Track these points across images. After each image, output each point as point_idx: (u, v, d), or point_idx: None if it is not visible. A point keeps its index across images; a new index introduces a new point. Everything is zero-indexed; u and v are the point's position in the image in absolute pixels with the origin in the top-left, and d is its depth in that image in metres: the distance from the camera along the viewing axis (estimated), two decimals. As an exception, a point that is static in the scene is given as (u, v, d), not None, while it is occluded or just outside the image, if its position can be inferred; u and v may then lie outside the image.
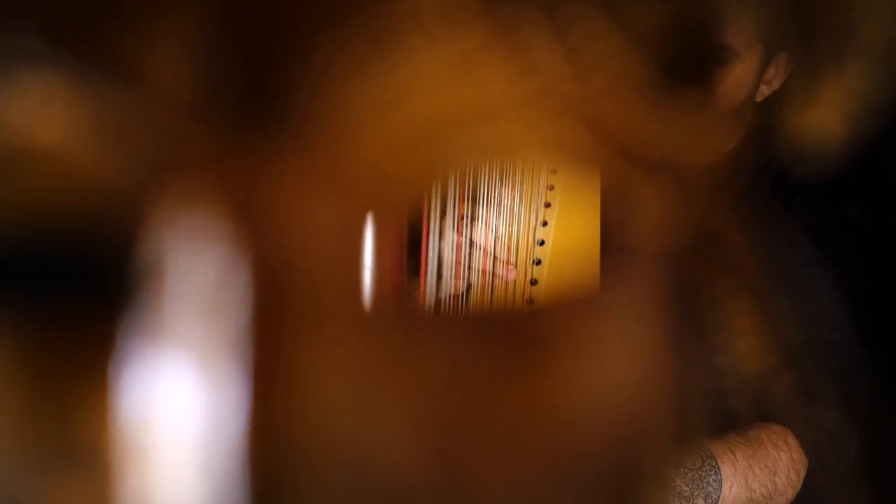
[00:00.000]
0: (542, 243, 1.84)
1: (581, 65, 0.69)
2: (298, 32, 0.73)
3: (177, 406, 0.72)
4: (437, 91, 0.78)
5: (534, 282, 1.78)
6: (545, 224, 1.86)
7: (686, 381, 0.87)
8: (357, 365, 0.73)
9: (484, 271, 1.72)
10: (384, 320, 0.75)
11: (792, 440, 1.80)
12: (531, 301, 1.75)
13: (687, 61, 0.76)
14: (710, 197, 0.89)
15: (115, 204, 0.72)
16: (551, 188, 1.89)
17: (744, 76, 1.77)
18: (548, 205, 1.87)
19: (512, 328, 0.80)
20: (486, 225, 1.70)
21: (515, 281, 1.74)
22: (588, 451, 0.77)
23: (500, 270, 1.66)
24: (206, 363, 0.71)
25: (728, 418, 1.85)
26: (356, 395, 0.72)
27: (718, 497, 1.63)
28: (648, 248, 0.81)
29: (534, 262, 1.81)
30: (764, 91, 1.83)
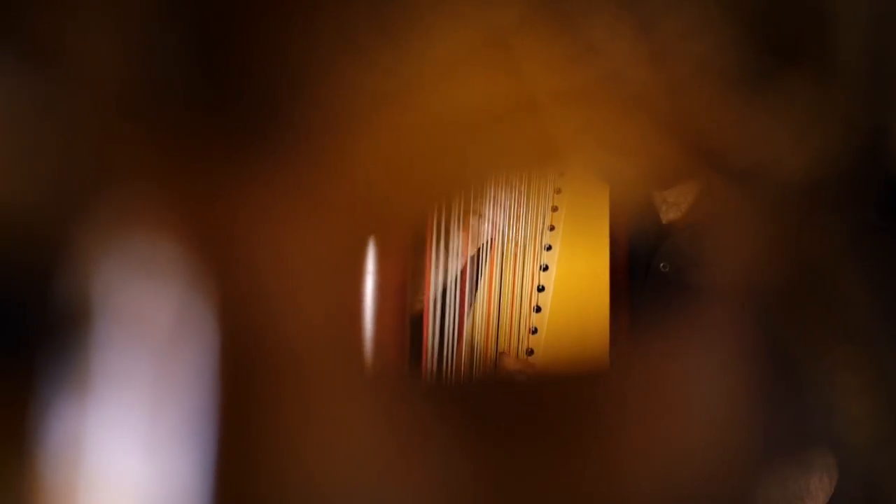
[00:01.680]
0: (541, 289, 1.75)
1: (654, 46, 0.56)
2: (275, 9, 0.61)
3: (117, 479, 0.61)
4: (461, 83, 0.66)
5: (534, 330, 1.69)
6: (545, 268, 1.79)
7: (776, 452, 0.75)
8: (347, 438, 0.61)
9: (489, 318, 1.67)
10: (384, 386, 0.64)
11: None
12: (530, 351, 1.67)
13: (789, 36, 0.63)
14: (812, 218, 0.76)
15: (30, 228, 0.61)
16: (552, 228, 1.81)
17: None
18: (549, 247, 1.80)
19: (530, 395, 0.69)
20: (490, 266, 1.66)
21: (517, 327, 1.68)
22: None
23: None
24: (157, 426, 0.61)
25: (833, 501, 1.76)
26: (347, 474, 0.61)
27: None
28: (733, 284, 0.69)
29: (533, 308, 1.72)
30: None
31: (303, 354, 0.58)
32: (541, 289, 1.71)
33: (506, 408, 0.62)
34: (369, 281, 0.73)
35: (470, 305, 1.58)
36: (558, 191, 1.78)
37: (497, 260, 1.69)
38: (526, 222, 1.73)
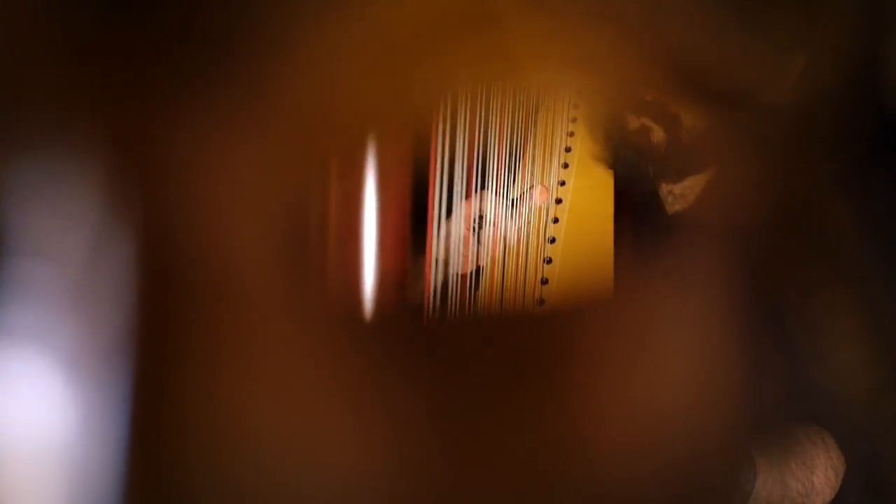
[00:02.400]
0: (556, 221, 1.83)
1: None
2: None
3: (32, 426, 0.57)
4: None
5: (548, 260, 1.77)
6: (559, 201, 1.86)
7: (762, 402, 0.70)
8: (288, 384, 0.56)
9: (494, 250, 1.71)
10: (383, 326, 0.59)
11: (830, 439, 1.79)
12: (545, 280, 1.74)
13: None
14: (801, 153, 0.71)
15: None
16: (565, 166, 1.89)
17: None
18: (562, 183, 1.87)
19: (528, 331, 0.64)
20: (496, 195, 1.69)
21: (528, 259, 1.74)
22: (629, 493, 0.61)
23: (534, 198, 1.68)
24: (75, 369, 0.56)
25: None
26: (286, 423, 0.56)
27: (752, 489, 1.60)
28: (716, 221, 0.65)
29: (548, 239, 1.80)
30: None
31: (244, 287, 0.53)
32: (555, 220, 1.77)
33: (512, 344, 0.57)
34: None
35: (476, 236, 1.60)
36: (573, 120, 1.84)
37: (515, 194, 1.73)
38: (541, 160, 1.79)
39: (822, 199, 0.77)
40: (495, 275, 1.67)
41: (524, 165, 1.78)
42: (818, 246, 0.79)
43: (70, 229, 0.53)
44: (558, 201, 1.83)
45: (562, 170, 1.85)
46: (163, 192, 0.53)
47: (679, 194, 1.89)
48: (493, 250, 1.67)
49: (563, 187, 1.83)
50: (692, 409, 0.63)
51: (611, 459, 0.60)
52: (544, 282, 1.74)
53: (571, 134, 1.89)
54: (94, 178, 0.52)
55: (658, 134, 1.79)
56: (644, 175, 1.81)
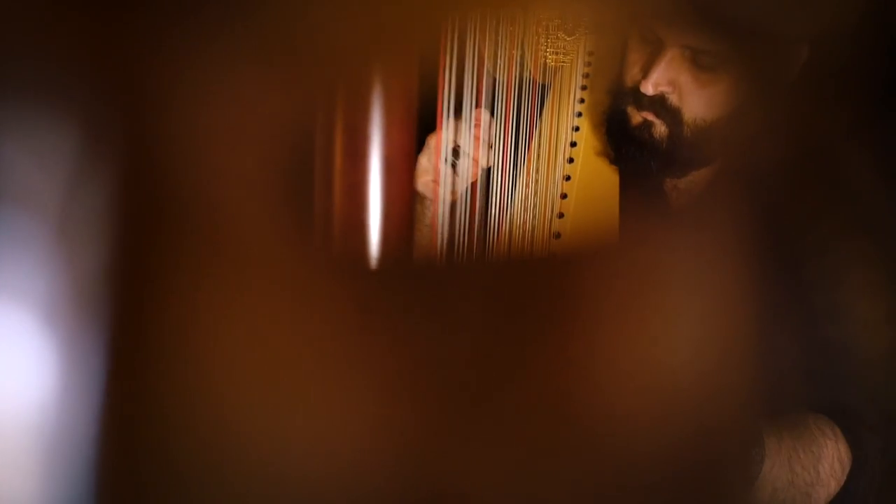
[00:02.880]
0: (571, 161, 1.88)
1: None
2: None
3: (4, 381, 0.53)
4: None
5: (564, 196, 1.81)
6: (574, 144, 1.91)
7: (778, 361, 0.67)
8: (286, 332, 0.53)
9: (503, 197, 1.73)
10: (389, 269, 0.55)
11: (839, 431, 1.78)
12: (560, 215, 1.76)
13: None
14: (818, 94, 0.67)
15: None
16: (579, 115, 1.91)
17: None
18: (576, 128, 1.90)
19: (541, 272, 0.61)
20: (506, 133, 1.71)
21: (547, 211, 1.76)
22: (640, 451, 0.57)
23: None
24: (51, 318, 0.53)
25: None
26: (297, 372, 0.52)
27: (759, 471, 1.59)
28: (729, 165, 0.61)
29: (564, 177, 1.85)
30: None
31: (235, 229, 0.50)
32: (570, 160, 1.83)
33: (525, 284, 0.54)
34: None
35: (483, 183, 1.62)
36: (586, 75, 1.88)
37: (534, 151, 1.78)
38: (557, 116, 1.82)
39: (842, 146, 0.73)
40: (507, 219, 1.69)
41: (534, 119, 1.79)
42: (837, 195, 0.75)
43: (46, 171, 0.50)
44: (573, 144, 1.85)
45: (576, 117, 1.85)
46: (146, 127, 0.50)
47: (684, 189, 1.87)
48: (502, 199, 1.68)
49: (577, 133, 1.84)
50: (703, 363, 0.60)
51: (620, 410, 0.57)
52: (560, 215, 1.74)
53: (586, 75, 1.88)
54: (72, 115, 0.49)
55: (660, 128, 1.78)
56: (647, 170, 1.80)
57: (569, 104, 1.91)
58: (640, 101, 1.72)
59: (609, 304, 0.57)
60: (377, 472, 0.50)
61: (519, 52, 1.76)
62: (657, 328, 0.58)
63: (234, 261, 0.52)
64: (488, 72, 1.65)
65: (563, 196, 1.86)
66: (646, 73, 1.71)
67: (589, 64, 2.00)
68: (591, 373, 0.55)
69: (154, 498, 0.49)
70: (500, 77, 1.73)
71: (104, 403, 0.48)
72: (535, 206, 1.80)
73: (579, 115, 1.91)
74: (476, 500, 0.51)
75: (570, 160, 1.88)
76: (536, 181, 1.80)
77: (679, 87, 1.70)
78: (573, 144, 1.89)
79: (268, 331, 0.51)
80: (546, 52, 1.84)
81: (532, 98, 1.82)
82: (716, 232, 0.63)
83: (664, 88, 1.70)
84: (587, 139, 1.88)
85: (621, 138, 1.81)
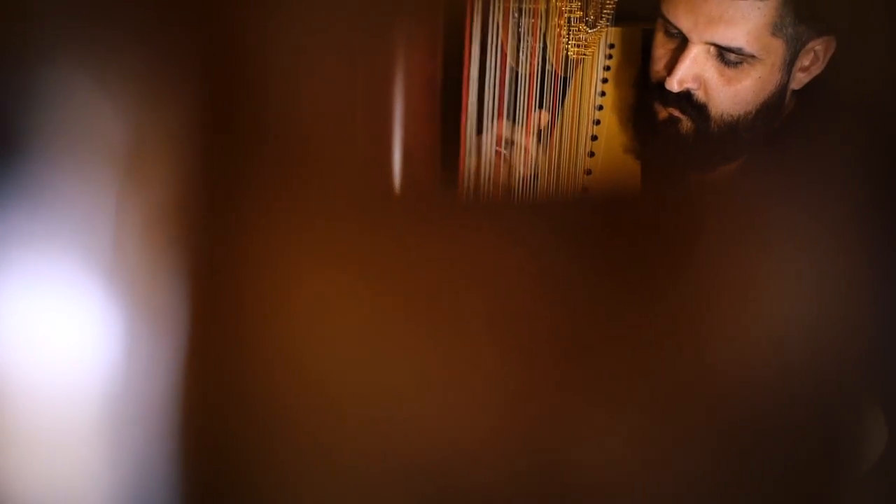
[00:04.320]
0: (595, 138, 1.91)
1: None
2: None
3: (60, 333, 0.49)
4: None
5: (585, 189, 1.81)
6: (603, 94, 1.95)
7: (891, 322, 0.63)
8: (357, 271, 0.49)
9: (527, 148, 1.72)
10: (410, 203, 0.52)
11: None
12: (588, 171, 1.78)
13: None
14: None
15: None
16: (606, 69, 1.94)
17: (766, 75, 1.76)
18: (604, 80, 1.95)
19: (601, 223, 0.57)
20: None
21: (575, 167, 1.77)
22: (752, 417, 0.54)
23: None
24: (115, 263, 0.49)
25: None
26: (368, 310, 0.49)
27: (878, 454, 1.52)
28: (844, 93, 0.57)
29: (585, 171, 1.88)
30: (802, 79, 1.80)
31: (297, 147, 0.46)
32: (591, 154, 1.86)
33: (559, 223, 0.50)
34: (397, 81, 0.60)
35: (510, 118, 1.62)
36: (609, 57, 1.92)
37: (555, 144, 1.79)
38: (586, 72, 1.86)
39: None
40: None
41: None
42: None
43: (117, 111, 0.46)
44: (594, 138, 1.89)
45: (595, 126, 1.86)
46: (220, 63, 0.46)
47: (710, 182, 1.85)
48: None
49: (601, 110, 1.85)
50: (816, 333, 0.56)
51: (732, 375, 0.53)
52: (591, 154, 1.75)
53: (607, 68, 1.89)
54: (144, 52, 0.45)
55: (686, 124, 1.77)
56: (674, 164, 1.78)
57: (590, 97, 1.91)
58: (666, 96, 1.71)
59: (722, 272, 0.54)
60: (486, 427, 0.46)
61: (541, 45, 1.75)
62: (770, 294, 0.54)
63: (319, 198, 0.49)
64: (511, 67, 1.64)
65: (584, 190, 1.85)
66: (670, 69, 1.71)
67: (610, 57, 1.99)
68: (703, 339, 0.51)
69: (239, 463, 0.45)
70: (523, 70, 1.72)
71: (183, 358, 0.44)
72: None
73: (600, 108, 1.90)
74: (589, 459, 0.47)
75: (591, 154, 1.88)
76: (557, 175, 1.80)
77: (705, 83, 1.70)
78: (594, 138, 1.88)
79: (353, 277, 0.48)
80: (567, 44, 1.83)
81: (554, 91, 1.81)
82: (832, 181, 0.60)
83: (689, 85, 1.70)
84: (608, 132, 1.88)
85: (648, 133, 1.80)
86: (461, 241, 0.51)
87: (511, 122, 1.62)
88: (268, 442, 0.46)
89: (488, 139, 1.54)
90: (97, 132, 0.48)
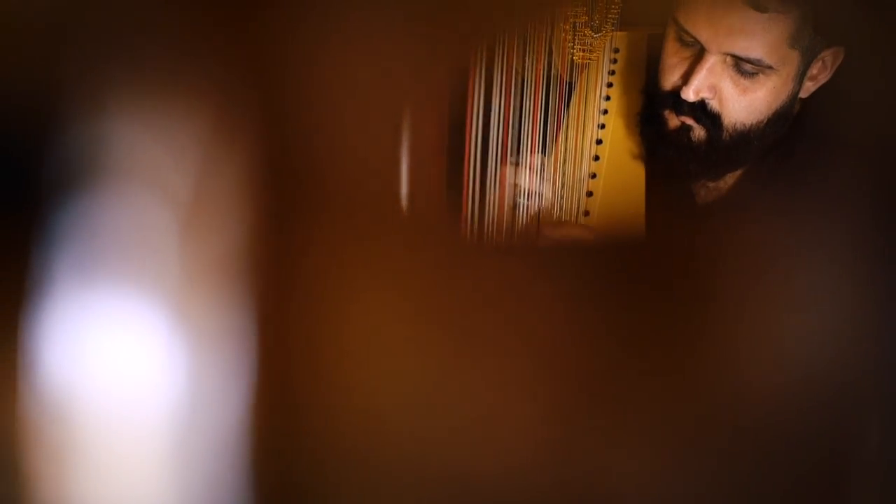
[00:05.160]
0: (597, 158, 1.92)
1: None
2: None
3: (130, 369, 0.53)
4: None
5: (590, 193, 1.86)
6: (602, 125, 1.96)
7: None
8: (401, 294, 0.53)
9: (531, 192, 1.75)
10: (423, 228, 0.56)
11: None
12: (586, 213, 1.85)
13: None
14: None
15: (34, 78, 0.52)
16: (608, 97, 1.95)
17: (780, 85, 1.79)
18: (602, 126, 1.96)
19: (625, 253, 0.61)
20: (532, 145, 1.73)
21: (577, 190, 1.84)
22: (770, 433, 0.57)
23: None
24: (181, 302, 0.52)
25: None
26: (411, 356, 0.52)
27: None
28: (853, 141, 0.61)
29: (590, 174, 1.90)
30: (809, 87, 1.84)
31: (347, 188, 0.50)
32: (596, 158, 1.89)
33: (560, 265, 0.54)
34: (409, 118, 0.64)
35: (512, 155, 1.64)
36: (614, 61, 1.97)
37: (563, 130, 1.82)
38: (586, 100, 1.90)
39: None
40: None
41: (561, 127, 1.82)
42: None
43: (181, 153, 0.50)
44: (598, 142, 1.91)
45: (599, 130, 1.89)
46: (276, 118, 0.50)
47: (713, 187, 1.88)
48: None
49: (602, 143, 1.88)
50: (828, 350, 0.60)
51: (753, 395, 0.57)
52: (586, 213, 1.77)
53: (610, 85, 1.92)
54: (205, 101, 0.49)
55: (699, 133, 1.79)
56: (683, 171, 1.80)
57: (595, 102, 1.93)
58: (680, 105, 1.73)
59: (739, 297, 0.57)
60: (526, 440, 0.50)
61: (547, 50, 1.78)
62: (785, 317, 0.58)
63: (365, 229, 0.53)
64: (517, 70, 1.67)
65: (589, 194, 1.88)
66: (686, 79, 1.72)
67: (615, 61, 2.02)
68: (724, 360, 0.55)
69: (303, 481, 0.49)
70: (529, 76, 1.75)
71: (248, 389, 0.48)
72: (561, 198, 1.82)
73: (605, 112, 1.93)
74: (617, 467, 0.51)
75: (596, 157, 1.90)
76: (563, 181, 1.82)
77: (720, 92, 1.71)
78: (599, 142, 1.91)
79: (411, 307, 0.52)
80: (573, 49, 1.86)
81: (559, 95, 1.84)
82: (840, 215, 0.64)
83: (705, 94, 1.71)
84: (613, 137, 1.90)
85: (657, 140, 1.81)
86: (493, 266, 0.55)
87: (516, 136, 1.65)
88: (328, 461, 0.49)
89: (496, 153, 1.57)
90: (165, 175, 0.51)
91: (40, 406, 0.51)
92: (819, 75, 1.76)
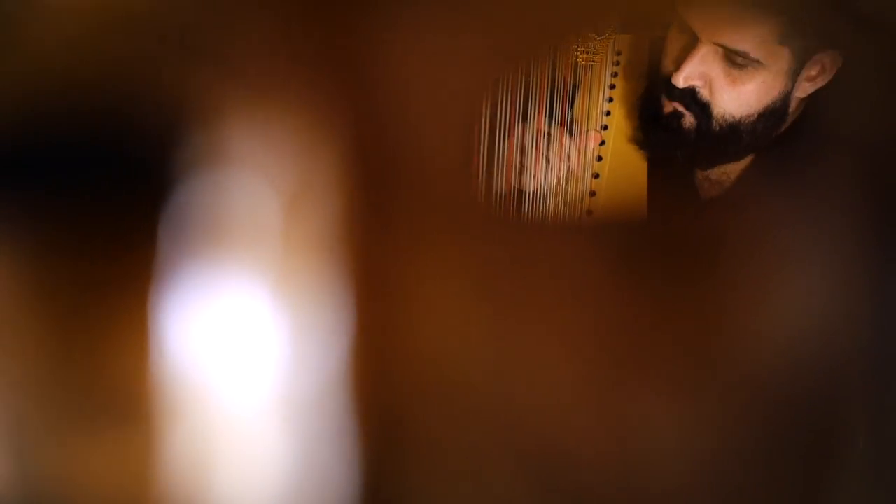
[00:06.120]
0: (600, 158, 1.98)
1: None
2: None
3: (241, 337, 0.60)
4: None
5: (593, 193, 1.92)
6: (603, 143, 2.00)
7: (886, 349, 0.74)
8: (474, 272, 0.61)
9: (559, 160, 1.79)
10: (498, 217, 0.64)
11: None
12: (589, 212, 1.91)
13: None
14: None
15: (157, 78, 0.60)
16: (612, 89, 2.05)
17: (770, 80, 1.80)
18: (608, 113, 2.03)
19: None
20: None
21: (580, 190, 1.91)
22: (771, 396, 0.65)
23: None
24: (284, 278, 0.60)
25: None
26: (480, 317, 0.61)
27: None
28: (847, 137, 0.68)
29: (593, 174, 1.95)
30: (807, 88, 1.82)
31: (427, 178, 0.59)
32: (599, 158, 1.93)
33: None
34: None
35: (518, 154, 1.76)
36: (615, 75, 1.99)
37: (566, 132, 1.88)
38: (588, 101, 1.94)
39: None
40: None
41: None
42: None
43: (284, 149, 0.58)
44: (601, 143, 1.99)
45: (605, 116, 1.93)
46: (368, 103, 0.59)
47: (715, 180, 1.94)
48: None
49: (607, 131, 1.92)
50: (821, 328, 0.69)
51: (758, 365, 0.66)
52: (589, 212, 1.86)
53: (615, 74, 1.97)
54: (304, 102, 0.58)
55: (689, 120, 1.84)
56: (674, 158, 1.86)
57: (598, 102, 1.98)
58: (672, 91, 1.79)
59: (745, 278, 0.66)
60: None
61: (552, 54, 1.83)
62: (784, 299, 0.67)
63: (443, 222, 0.61)
64: (522, 75, 1.73)
65: (592, 194, 1.93)
66: (678, 65, 1.78)
67: (617, 63, 2.07)
68: (729, 335, 0.64)
69: (395, 436, 0.57)
70: (533, 79, 1.80)
71: (344, 352, 0.56)
72: (565, 193, 1.86)
73: (608, 113, 1.97)
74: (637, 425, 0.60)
75: (599, 158, 1.95)
76: (566, 188, 1.87)
77: (710, 82, 1.77)
78: (602, 143, 1.95)
79: (471, 285, 0.60)
80: (577, 51, 1.91)
81: (563, 97, 1.89)
82: (831, 202, 0.72)
83: (695, 82, 1.77)
84: (616, 137, 1.95)
85: (652, 124, 1.87)
86: (552, 252, 0.64)
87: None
88: (417, 422, 0.58)
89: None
90: (270, 167, 0.59)
91: (167, 367, 0.60)
92: (818, 77, 1.81)
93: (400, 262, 0.57)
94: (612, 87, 2.07)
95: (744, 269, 0.69)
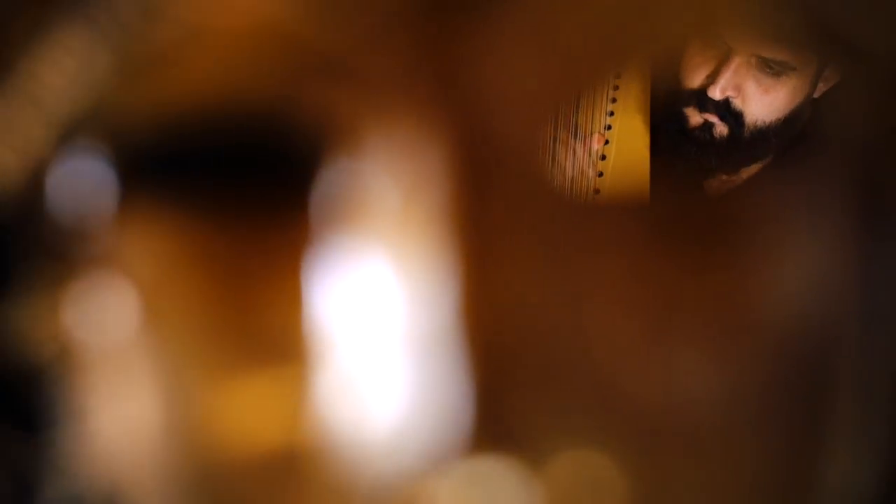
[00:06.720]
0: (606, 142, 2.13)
1: None
2: None
3: (376, 294, 0.66)
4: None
5: (599, 174, 2.07)
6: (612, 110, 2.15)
7: (877, 308, 0.80)
8: (558, 251, 0.72)
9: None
10: (576, 202, 0.76)
11: None
12: (597, 190, 2.05)
13: None
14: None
15: (313, 76, 0.71)
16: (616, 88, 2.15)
17: (800, 85, 2.03)
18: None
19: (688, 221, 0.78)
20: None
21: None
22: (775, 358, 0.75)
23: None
24: (407, 247, 0.72)
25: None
26: (562, 283, 0.71)
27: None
28: (836, 135, 0.75)
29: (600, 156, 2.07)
30: (821, 87, 2.11)
31: (526, 178, 0.71)
32: (603, 157, 2.07)
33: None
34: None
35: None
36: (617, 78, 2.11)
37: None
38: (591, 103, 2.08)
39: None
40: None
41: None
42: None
43: (401, 137, 0.72)
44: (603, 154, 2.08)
45: (608, 116, 2.03)
46: (469, 100, 0.71)
47: (727, 179, 2.05)
48: None
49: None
50: (811, 309, 0.81)
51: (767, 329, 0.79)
52: (602, 158, 2.01)
53: (616, 87, 2.12)
54: (421, 94, 0.71)
55: (721, 129, 1.95)
56: (705, 168, 1.95)
57: (601, 104, 2.09)
58: (704, 103, 1.89)
59: (762, 258, 0.78)
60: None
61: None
62: (778, 276, 0.79)
63: (531, 209, 0.74)
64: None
65: (596, 191, 2.03)
66: (714, 78, 1.89)
67: (616, 88, 2.17)
68: (753, 297, 0.77)
69: (502, 367, 0.70)
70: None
71: (458, 315, 0.69)
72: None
73: (611, 114, 2.07)
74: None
75: (603, 157, 2.05)
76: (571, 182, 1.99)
77: (743, 91, 1.87)
78: (605, 143, 2.05)
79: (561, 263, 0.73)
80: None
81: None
82: (821, 199, 0.84)
83: (730, 93, 1.88)
84: (618, 140, 2.04)
85: (679, 138, 1.97)
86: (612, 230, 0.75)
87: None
88: (518, 366, 0.70)
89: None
90: (390, 159, 0.72)
91: (316, 320, 0.73)
92: (830, 76, 1.93)
93: (497, 237, 0.69)
94: (616, 87, 2.17)
95: (760, 250, 0.82)
